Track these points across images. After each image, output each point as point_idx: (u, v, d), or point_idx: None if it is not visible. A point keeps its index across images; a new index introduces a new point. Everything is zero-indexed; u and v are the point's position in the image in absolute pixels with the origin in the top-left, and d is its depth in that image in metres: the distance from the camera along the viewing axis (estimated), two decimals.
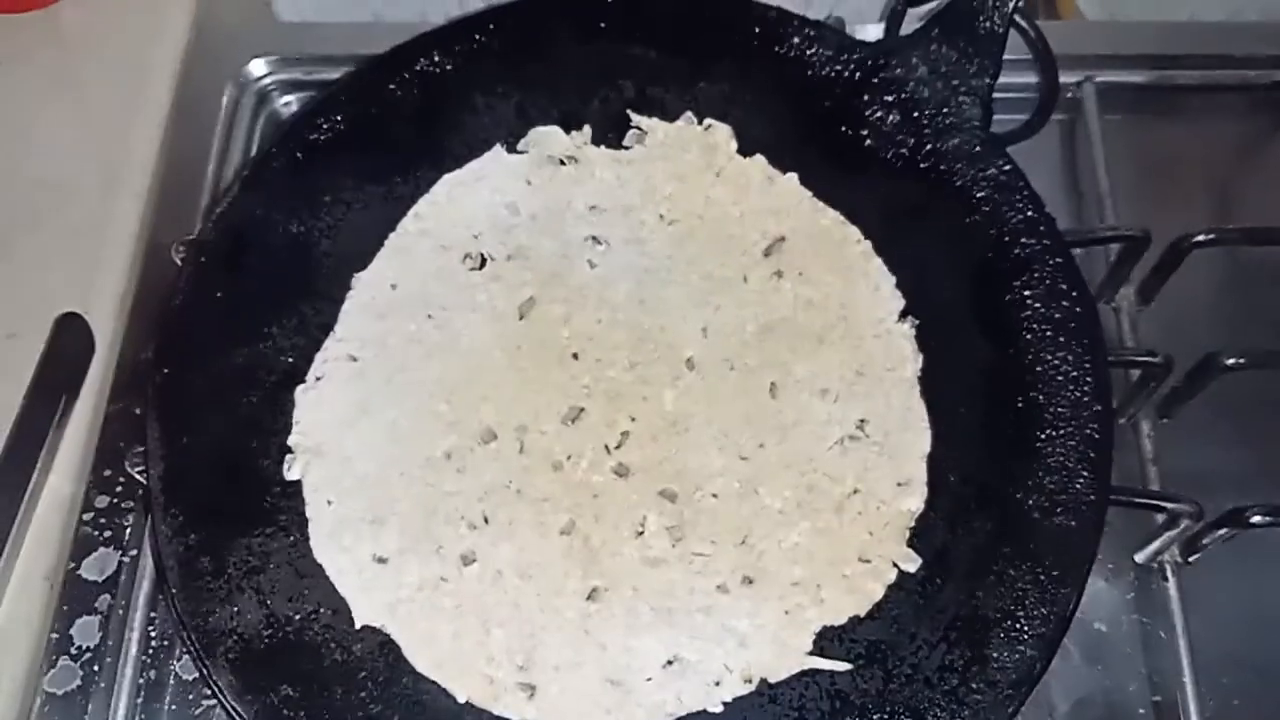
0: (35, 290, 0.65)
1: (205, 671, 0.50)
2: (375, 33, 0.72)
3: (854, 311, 0.59)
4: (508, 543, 0.54)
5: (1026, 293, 0.57)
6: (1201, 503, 0.55)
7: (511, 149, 0.64)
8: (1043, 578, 0.51)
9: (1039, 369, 0.56)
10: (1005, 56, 0.61)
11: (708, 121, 0.64)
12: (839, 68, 0.63)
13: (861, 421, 0.56)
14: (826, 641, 0.52)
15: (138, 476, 0.58)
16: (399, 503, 0.55)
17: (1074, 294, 0.57)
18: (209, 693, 0.51)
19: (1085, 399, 0.54)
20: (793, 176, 0.63)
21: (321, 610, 0.53)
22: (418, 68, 0.64)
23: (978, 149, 0.60)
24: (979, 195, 0.60)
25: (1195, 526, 0.56)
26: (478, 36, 0.65)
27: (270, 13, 0.88)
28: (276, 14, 0.88)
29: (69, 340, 0.58)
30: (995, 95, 0.62)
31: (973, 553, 0.53)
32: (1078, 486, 0.53)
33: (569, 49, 0.65)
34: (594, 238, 0.61)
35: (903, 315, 0.59)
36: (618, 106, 0.64)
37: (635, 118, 0.64)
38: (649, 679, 0.51)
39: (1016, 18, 0.60)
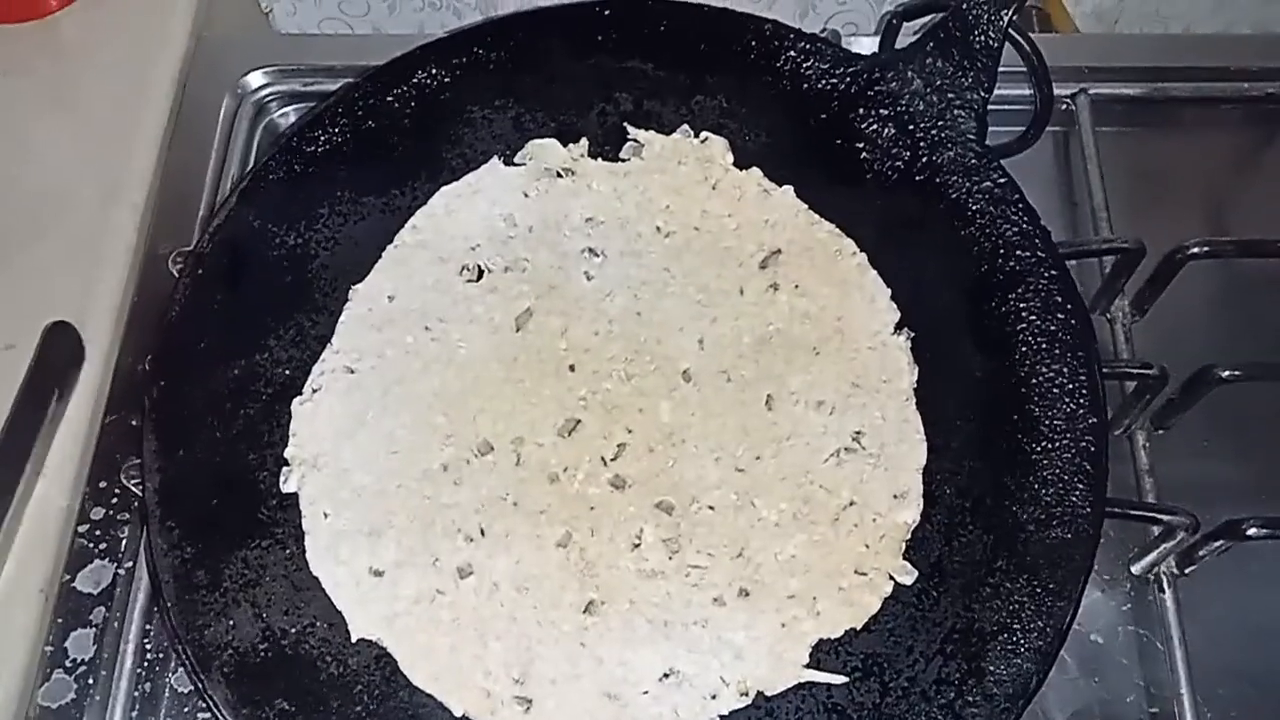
0: (33, 302, 0.65)
1: (200, 685, 0.50)
2: (373, 45, 0.73)
3: (850, 324, 0.59)
4: (504, 555, 0.54)
5: (1021, 305, 0.58)
6: (1197, 515, 0.55)
7: (509, 161, 0.64)
8: (1039, 590, 0.52)
9: (1034, 381, 0.56)
10: (1000, 69, 0.61)
11: (704, 134, 0.64)
12: (834, 81, 0.64)
13: (857, 434, 0.57)
14: (823, 654, 0.52)
15: (133, 488, 0.58)
16: (396, 515, 0.55)
17: (1069, 306, 0.57)
18: (204, 706, 0.51)
19: (1080, 411, 0.55)
20: (789, 189, 0.63)
21: (318, 623, 0.53)
22: (415, 80, 0.64)
23: (973, 162, 0.61)
24: (974, 208, 0.60)
25: (1191, 538, 0.56)
26: (475, 49, 0.65)
27: (269, 24, 0.88)
28: (275, 26, 0.88)
29: (57, 348, 0.58)
30: (990, 108, 0.62)
31: (969, 565, 0.53)
32: (1073, 499, 0.53)
33: (566, 62, 0.65)
34: (591, 250, 0.61)
35: (898, 328, 0.59)
36: (615, 119, 0.65)
37: (632, 131, 0.64)
38: (645, 692, 0.51)
39: (1011, 31, 0.60)
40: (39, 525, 0.59)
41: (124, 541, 0.59)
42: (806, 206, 0.62)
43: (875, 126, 0.63)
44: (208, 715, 0.55)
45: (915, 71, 0.63)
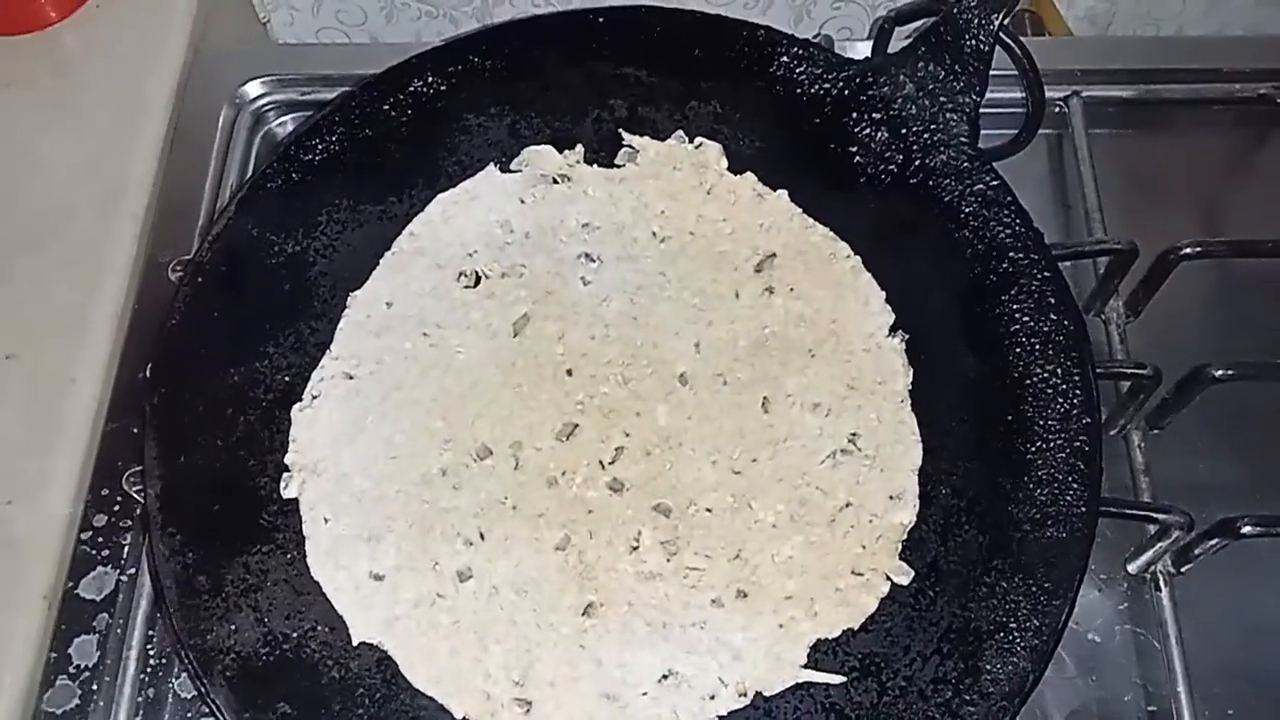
0: (33, 311, 0.65)
1: (203, 689, 0.51)
2: (371, 54, 0.73)
3: (844, 326, 0.60)
4: (503, 559, 0.54)
5: (1015, 306, 0.58)
6: (1192, 513, 0.55)
7: (505, 168, 0.64)
8: (1034, 589, 0.52)
9: (1028, 382, 0.56)
10: (993, 72, 0.62)
11: (699, 140, 0.65)
12: (827, 86, 0.64)
13: (853, 435, 0.57)
14: (820, 654, 0.52)
15: (135, 495, 0.58)
16: (395, 520, 0.55)
17: (1062, 307, 0.57)
18: (207, 710, 0.51)
19: (1074, 411, 0.55)
20: (783, 193, 0.63)
21: (319, 627, 0.53)
22: (412, 88, 0.65)
23: (965, 165, 0.61)
24: (967, 210, 0.60)
25: (1186, 537, 0.56)
26: (471, 58, 0.65)
27: (266, 34, 0.88)
28: (273, 36, 0.89)
29: None
30: (983, 111, 0.62)
31: (965, 565, 0.54)
32: (1068, 498, 0.53)
33: (561, 70, 0.66)
34: (587, 255, 0.62)
35: (892, 330, 0.59)
36: (610, 126, 0.65)
37: (627, 136, 0.65)
38: (644, 693, 0.52)
39: (1002, 35, 0.61)
40: (41, 532, 0.59)
41: (126, 548, 0.60)
42: (801, 210, 0.63)
43: (868, 130, 0.63)
44: None
45: (908, 75, 0.63)
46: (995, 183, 0.60)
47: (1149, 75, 0.74)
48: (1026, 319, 0.57)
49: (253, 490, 0.56)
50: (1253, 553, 0.57)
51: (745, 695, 0.52)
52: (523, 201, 0.63)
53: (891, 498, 0.55)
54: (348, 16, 0.88)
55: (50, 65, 0.75)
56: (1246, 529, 0.54)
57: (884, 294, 0.60)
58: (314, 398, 0.58)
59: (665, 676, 0.52)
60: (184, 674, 0.57)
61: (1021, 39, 0.61)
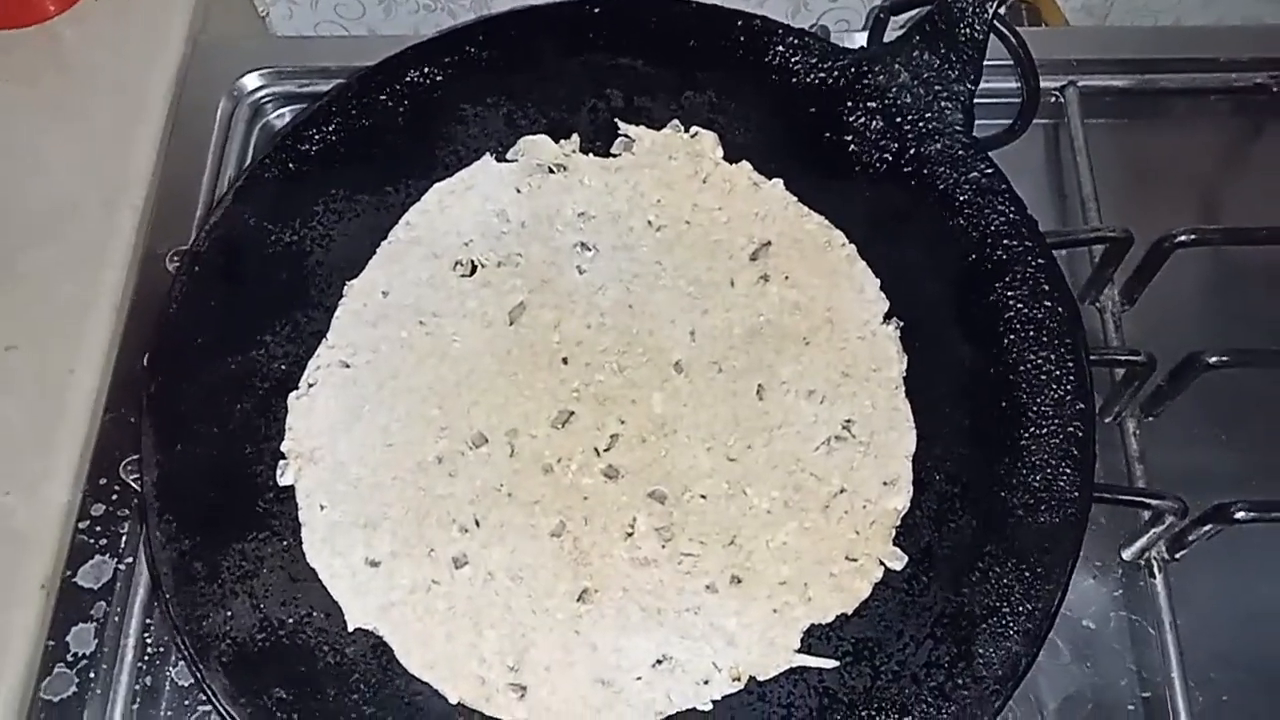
0: (33, 303, 0.66)
1: (199, 675, 0.51)
2: (368, 47, 0.73)
3: (839, 314, 0.60)
4: (499, 545, 0.55)
5: (1009, 293, 0.58)
6: (1187, 500, 0.55)
7: (501, 158, 0.65)
8: (1027, 574, 0.52)
9: (1022, 369, 0.56)
10: (989, 61, 0.62)
11: (694, 129, 0.65)
12: (823, 75, 0.64)
13: (847, 422, 0.57)
14: (814, 639, 0.53)
15: (133, 484, 0.58)
16: (391, 507, 0.56)
17: (1056, 294, 0.57)
18: (204, 698, 0.52)
19: (1068, 398, 0.55)
20: (778, 182, 0.63)
21: (314, 614, 0.53)
22: (408, 78, 0.65)
23: (960, 153, 0.61)
24: (961, 198, 0.61)
25: (1181, 523, 0.56)
26: (467, 48, 0.66)
27: (265, 27, 0.89)
28: (271, 29, 0.89)
29: None
30: (979, 100, 0.62)
31: (958, 550, 0.54)
32: (1061, 484, 0.53)
33: (557, 60, 0.66)
34: (583, 244, 0.62)
35: (887, 317, 0.60)
36: (606, 115, 0.65)
37: (623, 126, 0.65)
38: (639, 678, 0.52)
39: (997, 24, 0.61)
40: (40, 521, 0.59)
41: (124, 537, 0.60)
42: (796, 199, 0.63)
43: (863, 119, 0.63)
44: (208, 708, 0.56)
45: (902, 65, 0.63)
46: (989, 170, 0.61)
47: (1145, 65, 0.74)
48: (1021, 306, 0.58)
49: (249, 478, 0.56)
50: (1247, 539, 0.57)
51: (739, 680, 0.52)
52: (519, 191, 0.64)
53: (885, 484, 0.56)
54: (346, 10, 0.88)
55: (49, 59, 0.75)
56: (1240, 514, 0.54)
57: (879, 282, 0.60)
58: (310, 386, 0.59)
59: (659, 661, 0.52)
60: (181, 662, 0.57)
61: (1017, 29, 0.62)
